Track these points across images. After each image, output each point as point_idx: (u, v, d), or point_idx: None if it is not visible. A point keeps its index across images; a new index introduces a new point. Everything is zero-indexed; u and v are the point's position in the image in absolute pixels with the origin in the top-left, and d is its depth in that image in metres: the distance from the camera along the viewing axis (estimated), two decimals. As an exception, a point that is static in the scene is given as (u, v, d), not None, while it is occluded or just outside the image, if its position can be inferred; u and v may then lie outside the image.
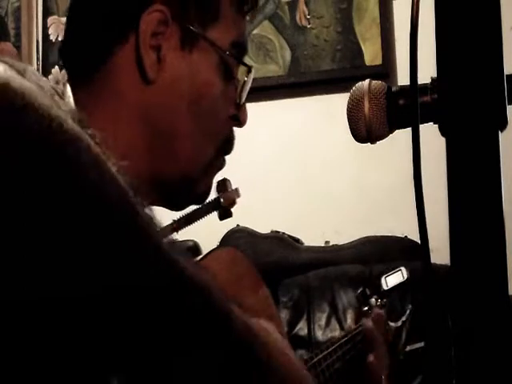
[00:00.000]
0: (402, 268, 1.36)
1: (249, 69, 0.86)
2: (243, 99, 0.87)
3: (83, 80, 0.81)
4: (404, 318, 1.55)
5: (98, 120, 0.77)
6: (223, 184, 0.91)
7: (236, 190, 0.92)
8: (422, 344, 1.55)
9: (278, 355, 0.58)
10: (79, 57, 0.82)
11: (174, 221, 0.89)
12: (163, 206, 0.86)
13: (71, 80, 0.82)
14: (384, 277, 1.36)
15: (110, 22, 0.80)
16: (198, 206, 0.90)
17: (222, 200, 0.90)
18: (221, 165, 0.88)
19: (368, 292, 1.36)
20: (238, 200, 0.93)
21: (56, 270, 0.41)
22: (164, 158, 0.81)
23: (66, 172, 0.41)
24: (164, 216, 0.88)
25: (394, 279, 1.35)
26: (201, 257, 0.92)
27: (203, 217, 0.90)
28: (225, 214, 0.91)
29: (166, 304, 0.46)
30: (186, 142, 0.82)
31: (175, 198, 0.86)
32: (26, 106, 0.41)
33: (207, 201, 0.89)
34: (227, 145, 0.87)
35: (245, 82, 0.86)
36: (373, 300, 1.36)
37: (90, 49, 0.81)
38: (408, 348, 1.42)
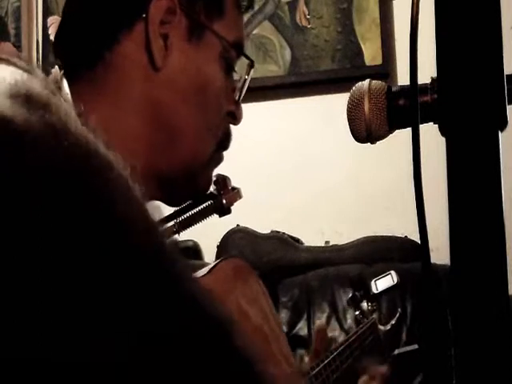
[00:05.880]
0: (392, 272, 1.35)
1: (251, 64, 0.88)
2: (242, 96, 0.88)
3: (84, 69, 0.80)
4: (393, 322, 1.55)
5: (100, 107, 0.77)
6: (223, 181, 0.90)
7: (238, 190, 0.91)
8: (413, 347, 1.55)
9: None
10: (81, 44, 0.81)
11: (175, 223, 0.88)
12: (161, 201, 0.84)
13: (68, 70, 0.81)
14: (374, 280, 1.35)
15: (117, 8, 0.80)
16: (199, 208, 0.89)
17: (224, 201, 0.89)
18: (219, 159, 0.88)
19: (359, 296, 1.36)
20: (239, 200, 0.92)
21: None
22: (166, 149, 0.80)
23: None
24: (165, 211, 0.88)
25: (383, 283, 1.35)
26: (209, 267, 0.90)
27: (205, 218, 0.89)
28: (224, 212, 0.90)
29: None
30: (189, 133, 0.82)
31: (175, 192, 0.85)
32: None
33: (208, 203, 0.89)
34: (225, 140, 0.88)
35: (245, 79, 0.88)
36: (364, 304, 1.36)
37: (95, 36, 0.80)
38: (397, 351, 1.42)
